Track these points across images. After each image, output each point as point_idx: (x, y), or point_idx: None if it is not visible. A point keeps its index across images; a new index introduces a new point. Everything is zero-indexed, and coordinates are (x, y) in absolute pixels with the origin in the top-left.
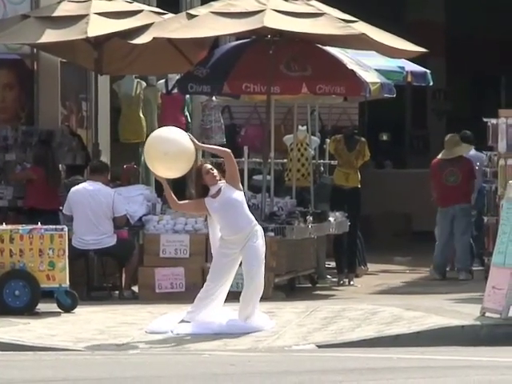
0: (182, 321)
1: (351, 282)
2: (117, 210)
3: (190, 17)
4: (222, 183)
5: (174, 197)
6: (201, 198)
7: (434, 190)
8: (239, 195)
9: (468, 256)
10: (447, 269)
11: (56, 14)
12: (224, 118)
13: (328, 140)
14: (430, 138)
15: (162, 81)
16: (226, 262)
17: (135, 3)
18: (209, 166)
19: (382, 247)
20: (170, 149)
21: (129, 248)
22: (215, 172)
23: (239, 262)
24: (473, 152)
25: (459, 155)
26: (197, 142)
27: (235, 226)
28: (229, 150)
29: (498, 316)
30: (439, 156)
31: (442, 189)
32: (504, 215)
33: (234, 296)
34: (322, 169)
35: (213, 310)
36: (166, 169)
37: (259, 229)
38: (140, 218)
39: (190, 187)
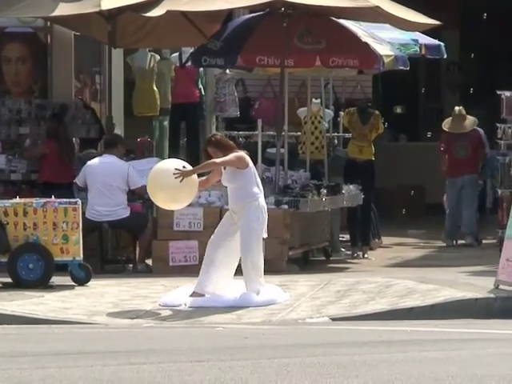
0: (194, 293)
1: (365, 255)
2: (134, 183)
3: None
4: None
5: (202, 179)
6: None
7: (444, 163)
8: (239, 171)
9: (474, 222)
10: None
11: None
12: (238, 91)
13: (342, 113)
14: (443, 110)
15: (176, 54)
16: (228, 224)
17: None
18: (211, 150)
19: (396, 220)
20: (172, 206)
21: (142, 221)
22: (217, 151)
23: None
24: None
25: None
26: (184, 170)
27: (232, 197)
28: (211, 160)
29: None
30: (447, 128)
31: (453, 161)
32: None
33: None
34: (336, 142)
35: (223, 281)
36: (184, 203)
37: (258, 204)
38: None
39: None
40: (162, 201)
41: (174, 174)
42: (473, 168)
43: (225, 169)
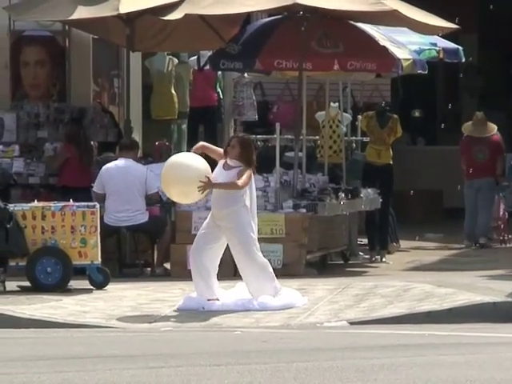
0: (209, 300)
1: (383, 259)
2: (150, 187)
3: None
4: (239, 166)
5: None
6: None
7: (463, 164)
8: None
9: (488, 224)
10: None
11: None
12: (256, 95)
13: (360, 117)
14: (461, 114)
15: (194, 57)
16: (209, 230)
17: None
18: (233, 142)
19: (414, 224)
20: (183, 200)
21: (161, 225)
22: (237, 147)
23: (223, 242)
24: None
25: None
26: (207, 182)
27: (219, 200)
28: (235, 182)
29: None
30: (468, 132)
31: (471, 164)
32: None
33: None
34: (354, 145)
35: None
36: (195, 198)
37: (246, 209)
38: None
39: None
40: (175, 194)
41: (198, 186)
42: (491, 172)
43: (226, 169)
